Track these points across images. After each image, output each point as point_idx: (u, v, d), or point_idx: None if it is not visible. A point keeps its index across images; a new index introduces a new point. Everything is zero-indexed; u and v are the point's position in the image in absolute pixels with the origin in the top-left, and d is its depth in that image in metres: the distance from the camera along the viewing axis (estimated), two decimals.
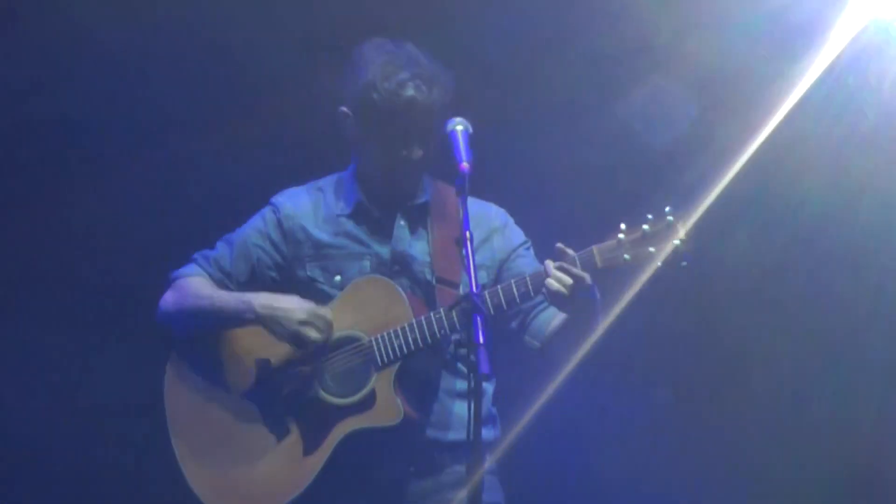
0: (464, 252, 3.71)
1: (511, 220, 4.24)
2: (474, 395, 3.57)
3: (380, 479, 4.03)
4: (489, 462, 4.13)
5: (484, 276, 4.13)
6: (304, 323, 3.99)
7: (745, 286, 5.08)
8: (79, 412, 5.16)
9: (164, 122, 5.01)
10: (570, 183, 5.03)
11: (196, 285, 4.14)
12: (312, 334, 3.99)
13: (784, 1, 4.73)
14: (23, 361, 5.11)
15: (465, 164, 3.80)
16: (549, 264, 3.86)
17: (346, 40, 4.15)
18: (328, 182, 4.24)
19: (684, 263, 3.84)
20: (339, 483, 3.99)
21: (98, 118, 5.01)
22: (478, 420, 3.63)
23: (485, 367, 3.56)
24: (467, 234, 3.73)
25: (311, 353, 4.02)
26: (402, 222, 4.14)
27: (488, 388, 4.17)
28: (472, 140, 3.87)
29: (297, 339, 4.00)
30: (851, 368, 5.10)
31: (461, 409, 4.03)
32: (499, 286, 3.95)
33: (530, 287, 3.91)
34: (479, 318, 3.59)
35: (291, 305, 4.01)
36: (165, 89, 5.00)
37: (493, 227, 4.20)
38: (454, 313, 3.92)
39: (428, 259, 4.11)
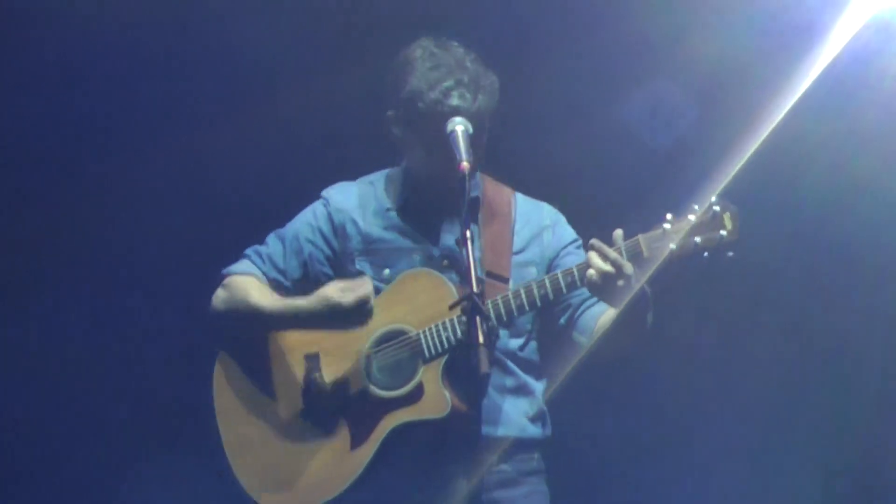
0: (465, 252, 3.70)
1: (563, 219, 4.23)
2: (478, 395, 3.59)
3: (428, 474, 3.98)
4: (537, 461, 4.12)
5: (533, 272, 4.10)
6: (341, 291, 3.96)
7: (743, 284, 5.08)
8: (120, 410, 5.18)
9: (206, 114, 5.02)
10: (570, 182, 5.02)
11: (247, 286, 4.12)
12: (347, 298, 3.95)
13: (784, 0, 4.74)
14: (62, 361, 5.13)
15: (464, 164, 3.82)
16: (591, 252, 3.84)
17: (345, 36, 4.15)
18: (379, 177, 4.23)
19: (730, 254, 3.83)
20: (386, 477, 3.96)
21: (139, 112, 5.04)
22: (478, 418, 3.72)
23: (485, 367, 3.57)
24: (467, 233, 3.72)
25: (357, 322, 3.98)
26: (453, 217, 4.09)
27: (538, 385, 4.13)
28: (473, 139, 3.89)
29: (335, 312, 3.97)
30: (849, 366, 5.11)
31: (511, 405, 4.04)
32: (546, 277, 3.93)
33: (577, 276, 3.88)
34: (478, 319, 3.60)
35: (325, 290, 4.00)
36: (208, 83, 5.01)
37: (543, 224, 4.19)
38: (501, 305, 3.90)
39: (478, 254, 4.06)
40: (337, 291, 3.99)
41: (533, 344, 4.14)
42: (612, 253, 3.80)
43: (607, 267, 3.80)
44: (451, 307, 3.89)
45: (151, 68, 5.01)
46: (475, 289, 3.66)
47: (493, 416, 4.02)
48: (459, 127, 3.87)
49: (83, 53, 4.94)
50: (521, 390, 4.09)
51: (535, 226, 4.18)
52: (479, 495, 3.99)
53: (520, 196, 4.23)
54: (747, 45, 4.83)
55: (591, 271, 3.81)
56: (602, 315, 4.04)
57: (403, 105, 4.01)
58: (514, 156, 4.99)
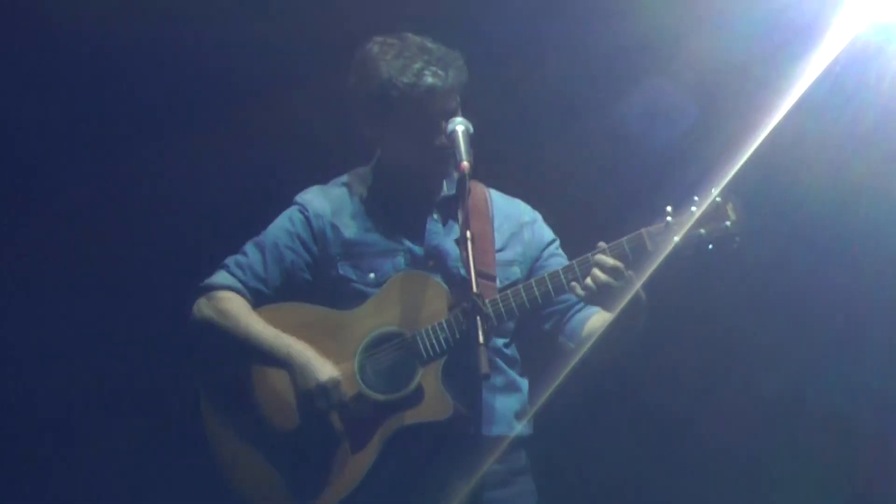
0: (463, 253, 3.73)
1: (540, 217, 4.19)
2: (477, 395, 3.56)
3: (428, 478, 3.94)
4: (524, 460, 4.10)
5: (517, 272, 4.08)
6: (321, 387, 3.91)
7: (743, 285, 5.08)
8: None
9: (207, 114, 5.01)
10: (570, 183, 5.03)
11: (234, 309, 4.03)
12: (320, 402, 3.91)
13: (784, 0, 4.74)
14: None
15: (465, 164, 3.82)
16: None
17: (345, 39, 4.15)
18: (353, 177, 4.17)
19: (737, 240, 3.81)
20: (388, 480, 3.92)
21: (139, 113, 5.03)
22: (477, 419, 3.77)
23: (485, 368, 3.59)
24: (467, 233, 3.75)
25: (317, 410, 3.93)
26: (435, 216, 4.08)
27: (524, 382, 4.12)
28: (473, 140, 3.89)
29: (306, 398, 3.93)
30: (851, 367, 5.11)
31: (502, 404, 4.01)
32: (545, 274, 3.89)
33: (578, 272, 3.84)
34: (479, 319, 3.63)
35: (323, 367, 3.93)
36: (177, 86, 5.00)
37: (523, 221, 4.15)
38: (500, 304, 3.87)
39: (462, 253, 3.96)
40: (321, 362, 3.93)
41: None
42: (611, 261, 3.78)
43: (604, 277, 3.78)
44: (451, 309, 3.90)
45: (149, 67, 5.02)
46: (475, 288, 3.68)
47: (487, 416, 3.99)
48: (460, 127, 3.88)
49: (81, 53, 4.94)
50: (510, 388, 4.07)
51: (515, 223, 4.14)
52: (474, 496, 3.97)
53: (494, 193, 4.19)
54: (747, 44, 4.83)
55: (589, 280, 3.79)
56: (589, 320, 4.03)
57: (376, 98, 3.96)
58: (513, 157, 5.00)
